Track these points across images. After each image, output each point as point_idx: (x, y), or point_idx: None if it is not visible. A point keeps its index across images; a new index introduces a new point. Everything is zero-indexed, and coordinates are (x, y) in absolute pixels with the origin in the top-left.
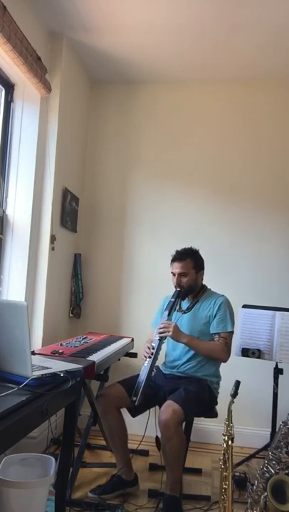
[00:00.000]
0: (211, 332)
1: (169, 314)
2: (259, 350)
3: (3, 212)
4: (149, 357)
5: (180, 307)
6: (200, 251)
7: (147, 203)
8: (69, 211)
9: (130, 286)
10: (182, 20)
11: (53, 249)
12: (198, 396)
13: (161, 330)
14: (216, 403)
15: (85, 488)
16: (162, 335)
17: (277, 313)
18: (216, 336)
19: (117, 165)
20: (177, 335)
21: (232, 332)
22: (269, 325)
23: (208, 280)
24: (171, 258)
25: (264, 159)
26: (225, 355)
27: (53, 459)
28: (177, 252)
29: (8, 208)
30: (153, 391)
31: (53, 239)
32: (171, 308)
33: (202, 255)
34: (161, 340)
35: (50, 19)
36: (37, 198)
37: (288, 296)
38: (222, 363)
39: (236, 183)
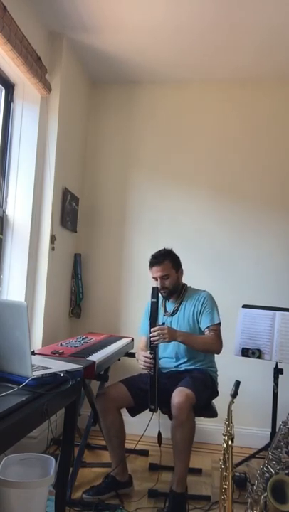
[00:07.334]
0: (202, 328)
1: (157, 318)
2: (259, 350)
3: (3, 212)
4: (152, 367)
5: (165, 310)
6: (199, 251)
7: (147, 202)
8: (69, 211)
9: (130, 286)
10: (182, 21)
11: (53, 249)
12: (205, 384)
13: (156, 338)
14: (218, 393)
15: (85, 488)
16: (158, 342)
17: (277, 313)
18: (206, 329)
19: (117, 165)
20: (173, 336)
21: (220, 323)
22: (269, 325)
23: (208, 280)
24: (148, 264)
25: (264, 159)
26: (218, 346)
27: (53, 459)
28: (153, 256)
29: (8, 208)
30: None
31: (53, 239)
32: (156, 308)
33: (202, 255)
34: (157, 346)
35: (50, 19)
36: (37, 198)
37: (288, 296)
38: (220, 362)
39: (236, 183)
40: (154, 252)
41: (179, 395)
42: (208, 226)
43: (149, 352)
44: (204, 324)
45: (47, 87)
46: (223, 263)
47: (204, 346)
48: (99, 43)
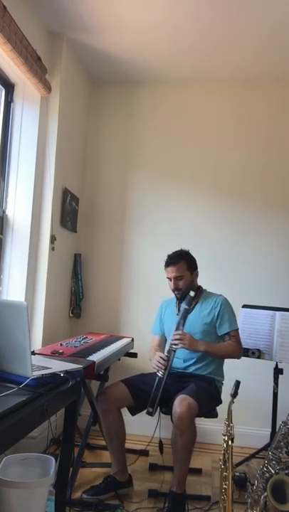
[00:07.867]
0: (221, 334)
1: (184, 323)
2: (259, 350)
3: (3, 212)
4: (164, 369)
5: (179, 310)
6: (199, 251)
7: (147, 202)
8: (69, 211)
9: (130, 286)
10: (182, 21)
11: (53, 249)
12: (209, 393)
13: (177, 342)
14: (221, 402)
15: (85, 488)
16: (177, 347)
17: (277, 313)
18: (226, 336)
19: (117, 165)
20: (194, 345)
21: (238, 328)
22: (269, 325)
23: (208, 280)
24: (164, 264)
25: (264, 159)
26: (239, 353)
27: (53, 459)
28: (169, 256)
29: (8, 208)
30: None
31: (53, 239)
32: (186, 316)
33: (202, 255)
34: (175, 351)
35: (50, 19)
36: (37, 198)
37: (288, 296)
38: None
39: (236, 183)
40: (155, 251)
41: (181, 405)
42: (208, 226)
43: (165, 354)
44: (223, 330)
45: (47, 87)
46: (223, 263)
47: (226, 354)
48: (99, 43)
